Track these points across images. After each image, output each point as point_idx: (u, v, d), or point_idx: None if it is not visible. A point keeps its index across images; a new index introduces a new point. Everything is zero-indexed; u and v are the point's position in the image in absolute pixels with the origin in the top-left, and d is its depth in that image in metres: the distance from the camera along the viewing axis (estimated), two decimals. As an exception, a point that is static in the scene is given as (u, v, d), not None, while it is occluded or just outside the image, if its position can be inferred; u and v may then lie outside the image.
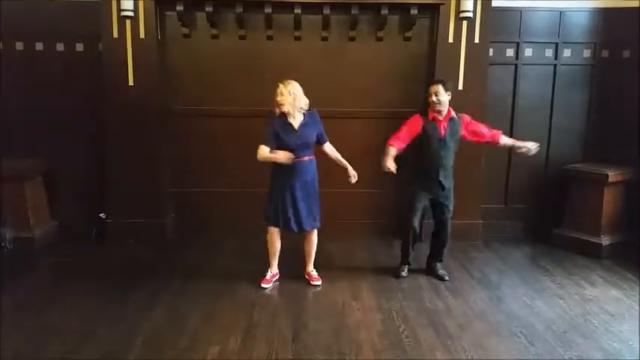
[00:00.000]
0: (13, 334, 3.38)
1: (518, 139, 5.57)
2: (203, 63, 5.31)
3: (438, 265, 4.52)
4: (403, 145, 4.21)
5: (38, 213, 5.16)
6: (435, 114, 4.19)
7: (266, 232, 4.24)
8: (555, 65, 5.51)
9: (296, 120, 4.04)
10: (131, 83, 5.08)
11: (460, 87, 5.20)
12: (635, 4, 5.28)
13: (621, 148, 5.39)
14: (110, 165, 5.20)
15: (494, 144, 4.39)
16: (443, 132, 4.19)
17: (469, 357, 3.20)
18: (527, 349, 3.32)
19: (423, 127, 4.17)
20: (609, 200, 5.06)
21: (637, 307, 3.94)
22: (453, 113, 4.24)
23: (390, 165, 4.08)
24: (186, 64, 5.31)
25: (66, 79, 5.28)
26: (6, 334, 3.37)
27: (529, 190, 5.71)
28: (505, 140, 4.38)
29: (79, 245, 5.12)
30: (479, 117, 5.22)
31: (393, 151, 4.14)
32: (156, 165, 5.25)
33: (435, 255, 4.52)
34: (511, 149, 4.57)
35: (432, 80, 4.35)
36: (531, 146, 4.31)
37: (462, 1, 4.97)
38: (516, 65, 5.49)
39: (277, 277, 4.35)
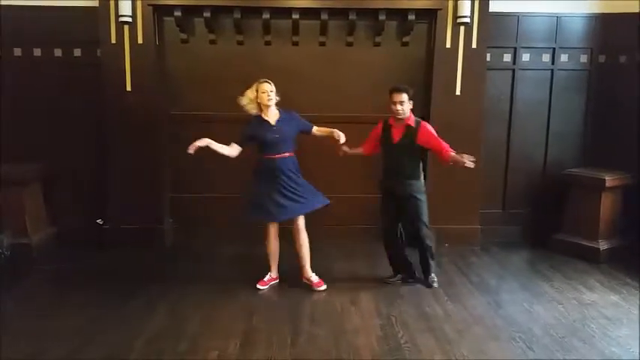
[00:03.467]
0: (12, 340, 3.37)
1: (516, 143, 5.64)
2: (201, 68, 5.31)
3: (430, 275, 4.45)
4: (368, 148, 4.41)
5: (36, 219, 5.14)
6: (395, 120, 4.22)
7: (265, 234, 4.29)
8: (552, 70, 5.53)
9: (271, 117, 4.18)
10: (129, 89, 5.09)
11: (458, 92, 5.22)
12: (632, 10, 5.30)
13: (619, 153, 5.40)
14: (108, 170, 5.19)
15: (444, 159, 4.17)
16: (397, 137, 4.21)
17: (468, 362, 3.21)
18: (525, 353, 3.31)
19: (382, 132, 4.25)
20: (607, 205, 5.07)
21: (635, 312, 3.94)
22: (413, 120, 4.21)
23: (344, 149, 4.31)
24: (184, 69, 5.31)
25: (64, 85, 5.27)
26: (5, 340, 3.35)
27: (527, 195, 5.72)
28: (451, 157, 4.12)
29: (77, 251, 5.11)
30: (477, 122, 5.27)
31: (358, 149, 4.40)
32: (154, 170, 5.25)
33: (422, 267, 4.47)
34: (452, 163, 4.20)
35: (394, 87, 4.17)
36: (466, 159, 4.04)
37: (459, 7, 4.99)
38: (514, 70, 5.51)
39: (276, 281, 4.38)
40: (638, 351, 3.35)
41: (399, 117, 4.15)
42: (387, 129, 4.24)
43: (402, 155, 4.20)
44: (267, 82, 4.17)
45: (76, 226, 5.39)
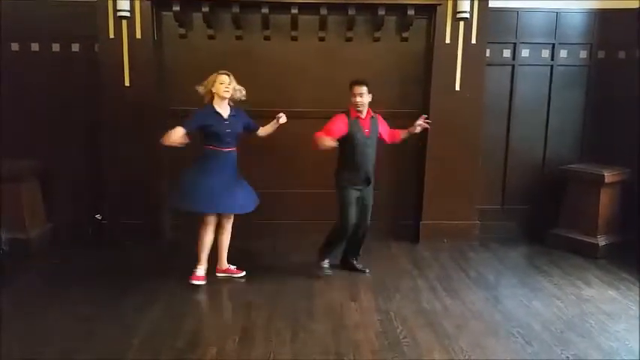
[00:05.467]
0: (10, 336, 3.36)
1: (515, 139, 5.64)
2: (200, 63, 5.25)
3: (357, 260, 4.65)
4: (335, 139, 4.20)
5: (34, 215, 5.13)
6: (358, 113, 4.26)
7: (200, 226, 4.25)
8: (552, 66, 5.53)
9: (224, 111, 4.18)
10: (127, 84, 5.07)
11: (457, 87, 5.21)
12: (631, 6, 5.30)
13: (618, 149, 5.41)
14: (107, 166, 5.18)
15: (397, 141, 4.57)
16: (367, 130, 4.28)
17: (467, 357, 3.21)
18: (524, 348, 3.32)
19: (350, 126, 4.24)
20: (605, 200, 5.08)
21: (633, 307, 3.96)
22: (372, 112, 4.34)
23: (331, 142, 4.12)
24: (182, 64, 5.28)
25: (62, 80, 5.25)
26: (4, 337, 3.35)
27: (526, 190, 5.72)
28: (403, 134, 4.54)
29: (76, 247, 5.10)
30: (476, 117, 5.27)
31: (329, 139, 4.12)
32: (152, 165, 5.23)
33: (354, 251, 4.63)
34: (408, 134, 4.55)
35: (354, 80, 4.25)
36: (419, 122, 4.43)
37: (458, 2, 4.96)
38: (513, 66, 5.50)
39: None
40: (636, 346, 3.37)
41: (359, 109, 4.24)
42: (354, 123, 4.25)
43: (371, 148, 4.32)
44: (226, 74, 4.20)
45: (75, 221, 5.38)
